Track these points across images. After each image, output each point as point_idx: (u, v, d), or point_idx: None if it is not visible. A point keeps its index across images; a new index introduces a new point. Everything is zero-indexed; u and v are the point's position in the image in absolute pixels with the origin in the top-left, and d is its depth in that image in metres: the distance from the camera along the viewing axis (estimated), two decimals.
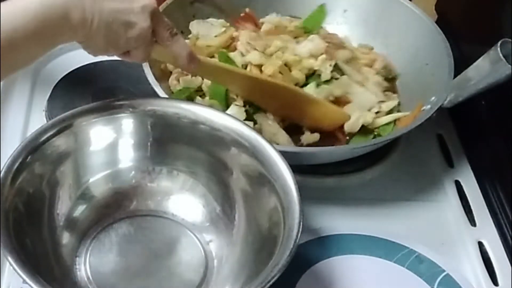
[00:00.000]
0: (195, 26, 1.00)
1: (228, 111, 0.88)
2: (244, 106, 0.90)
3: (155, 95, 0.86)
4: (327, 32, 1.03)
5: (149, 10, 0.74)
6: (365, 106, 0.93)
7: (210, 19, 1.01)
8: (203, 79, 0.93)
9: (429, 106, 0.90)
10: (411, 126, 0.87)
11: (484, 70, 0.86)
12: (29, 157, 0.73)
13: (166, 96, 0.86)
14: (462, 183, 0.96)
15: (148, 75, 0.88)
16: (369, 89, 0.95)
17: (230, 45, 0.98)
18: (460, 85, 0.89)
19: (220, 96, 0.91)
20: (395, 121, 0.94)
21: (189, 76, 0.94)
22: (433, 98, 0.91)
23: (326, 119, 0.92)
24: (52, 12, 0.67)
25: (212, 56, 0.96)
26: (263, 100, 0.91)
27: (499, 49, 0.83)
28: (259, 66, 0.93)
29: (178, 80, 0.94)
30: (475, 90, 0.88)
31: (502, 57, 0.83)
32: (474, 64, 0.87)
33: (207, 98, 0.92)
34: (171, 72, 0.96)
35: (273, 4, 1.05)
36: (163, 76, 0.94)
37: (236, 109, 0.89)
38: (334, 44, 0.98)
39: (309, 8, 1.06)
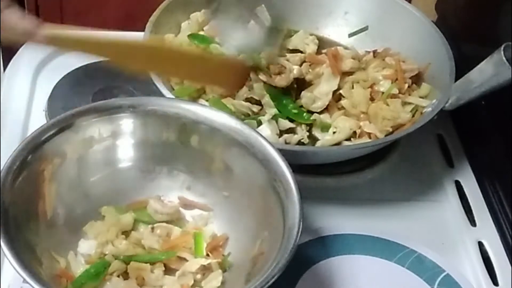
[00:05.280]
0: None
1: (260, 129, 0.88)
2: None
3: (155, 94, 0.86)
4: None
5: None
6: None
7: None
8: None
9: (430, 109, 0.90)
10: (412, 128, 0.87)
11: (487, 73, 0.86)
12: (29, 157, 0.73)
13: (168, 93, 0.86)
14: (462, 183, 0.96)
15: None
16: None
17: None
18: (462, 88, 0.89)
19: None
20: None
21: None
22: (434, 100, 0.92)
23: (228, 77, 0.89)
24: None
25: None
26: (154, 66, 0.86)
27: (502, 52, 0.83)
28: None
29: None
30: (477, 93, 0.88)
31: (505, 61, 0.82)
32: (477, 67, 0.87)
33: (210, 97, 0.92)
34: None
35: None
36: None
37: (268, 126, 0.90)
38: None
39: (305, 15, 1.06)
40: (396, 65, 0.96)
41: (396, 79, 0.95)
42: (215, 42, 0.95)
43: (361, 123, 0.91)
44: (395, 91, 0.93)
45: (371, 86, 0.95)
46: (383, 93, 0.94)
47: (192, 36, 0.96)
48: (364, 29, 1.04)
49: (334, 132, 0.91)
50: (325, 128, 0.92)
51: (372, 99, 0.94)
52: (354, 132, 0.91)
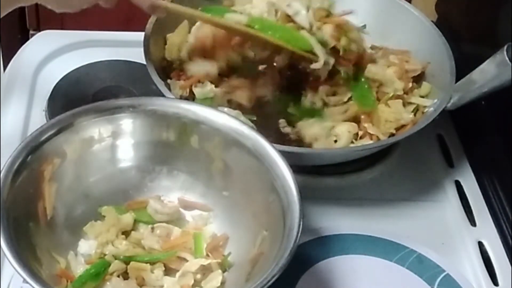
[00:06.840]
0: None
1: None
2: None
3: (155, 94, 0.86)
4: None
5: None
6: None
7: None
8: None
9: (432, 109, 0.90)
10: (414, 129, 0.87)
11: (490, 73, 0.86)
12: (29, 157, 0.73)
13: (171, 95, 0.86)
14: (462, 183, 0.96)
15: (152, 74, 0.88)
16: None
17: None
18: (464, 88, 0.89)
19: None
20: None
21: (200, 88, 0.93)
22: (435, 100, 0.91)
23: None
24: None
25: None
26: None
27: (505, 53, 0.83)
28: None
29: (185, 90, 0.93)
30: (479, 93, 0.88)
31: (508, 61, 0.82)
32: (479, 67, 0.87)
33: None
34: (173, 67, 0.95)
35: None
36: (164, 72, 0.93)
37: None
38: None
39: None
40: (401, 64, 0.96)
41: (401, 78, 0.95)
42: (230, 11, 0.93)
43: (365, 125, 0.91)
44: (400, 92, 0.93)
45: (378, 86, 0.95)
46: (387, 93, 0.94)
47: (205, 9, 0.94)
48: (362, 28, 1.04)
49: (335, 141, 0.91)
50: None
51: (378, 99, 0.94)
52: (356, 134, 0.91)
